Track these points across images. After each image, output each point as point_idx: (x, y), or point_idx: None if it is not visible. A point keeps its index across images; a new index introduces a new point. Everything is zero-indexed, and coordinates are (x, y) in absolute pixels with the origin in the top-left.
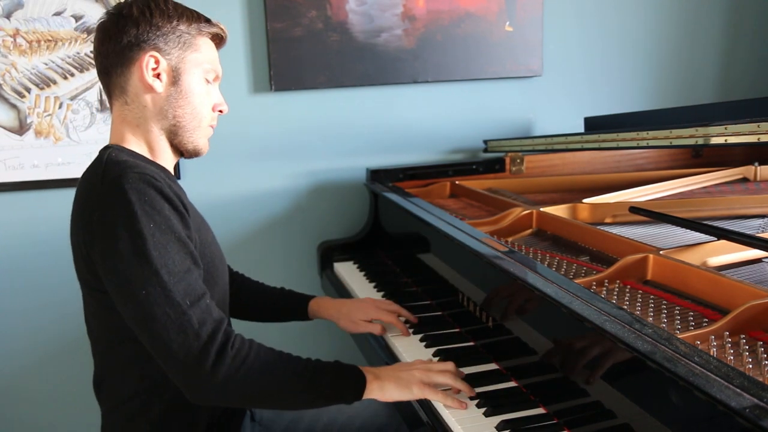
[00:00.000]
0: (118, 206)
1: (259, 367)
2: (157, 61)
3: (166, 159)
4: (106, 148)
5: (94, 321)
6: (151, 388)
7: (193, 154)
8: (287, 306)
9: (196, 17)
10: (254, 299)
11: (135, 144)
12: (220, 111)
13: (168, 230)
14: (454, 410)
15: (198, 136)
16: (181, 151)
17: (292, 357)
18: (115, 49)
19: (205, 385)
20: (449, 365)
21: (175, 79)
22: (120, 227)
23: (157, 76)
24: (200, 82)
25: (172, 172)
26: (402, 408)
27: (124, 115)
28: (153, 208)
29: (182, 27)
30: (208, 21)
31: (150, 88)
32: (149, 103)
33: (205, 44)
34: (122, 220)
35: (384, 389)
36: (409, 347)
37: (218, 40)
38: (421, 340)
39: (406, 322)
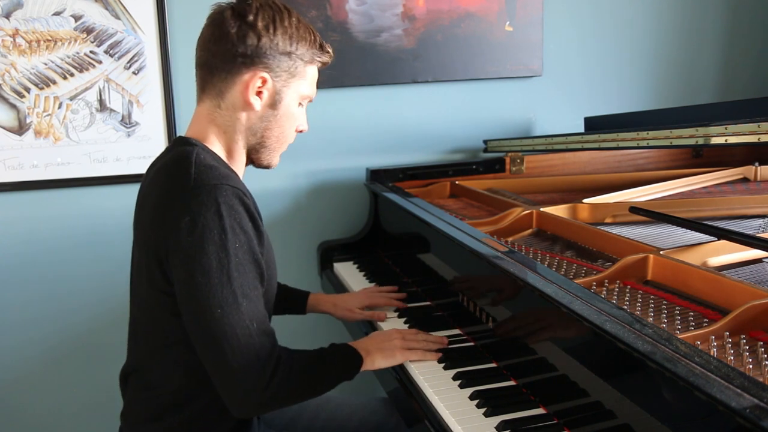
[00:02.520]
0: (209, 218)
1: (295, 378)
2: (264, 81)
3: (240, 167)
4: (191, 144)
5: (146, 319)
6: (185, 393)
7: (265, 167)
8: (286, 301)
9: (312, 41)
10: None
11: (217, 146)
12: (300, 131)
13: (249, 251)
14: (454, 410)
15: (276, 155)
16: (253, 161)
17: (307, 354)
18: (228, 53)
19: (254, 403)
20: (419, 332)
21: (274, 102)
22: (208, 242)
23: (259, 93)
24: (295, 106)
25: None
26: (400, 406)
27: (214, 117)
28: (240, 226)
29: (299, 52)
30: (322, 47)
31: (248, 105)
32: (243, 117)
33: (312, 71)
34: (212, 234)
35: (374, 362)
36: None
37: (323, 65)
38: None
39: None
